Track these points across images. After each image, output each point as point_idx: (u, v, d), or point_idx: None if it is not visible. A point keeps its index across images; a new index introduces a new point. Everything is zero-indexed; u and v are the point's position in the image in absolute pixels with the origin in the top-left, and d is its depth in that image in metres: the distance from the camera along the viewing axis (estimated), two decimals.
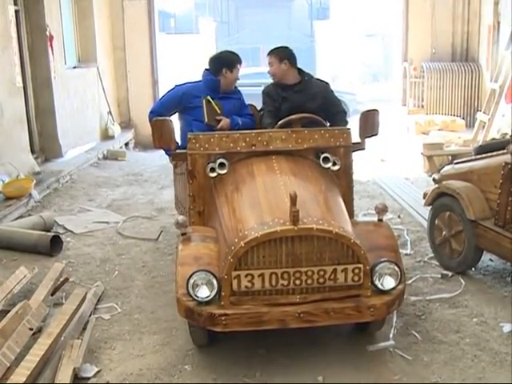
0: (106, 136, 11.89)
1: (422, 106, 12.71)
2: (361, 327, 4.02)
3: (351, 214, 4.30)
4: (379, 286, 3.59)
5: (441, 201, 5.23)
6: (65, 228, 6.54)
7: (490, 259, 5.29)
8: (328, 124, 4.77)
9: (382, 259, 3.61)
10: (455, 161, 5.61)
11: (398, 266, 3.62)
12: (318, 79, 5.30)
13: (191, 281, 3.46)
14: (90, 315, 4.33)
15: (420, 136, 11.30)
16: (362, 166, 9.71)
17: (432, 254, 5.44)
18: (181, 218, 3.95)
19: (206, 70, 5.28)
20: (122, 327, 4.25)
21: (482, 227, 4.75)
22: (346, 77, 26.04)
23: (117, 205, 7.65)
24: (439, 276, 5.03)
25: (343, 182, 4.34)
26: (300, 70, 5.10)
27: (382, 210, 3.98)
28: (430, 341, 3.97)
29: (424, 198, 5.54)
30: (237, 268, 3.45)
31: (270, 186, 3.92)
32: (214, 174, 4.20)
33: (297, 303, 3.51)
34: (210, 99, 4.96)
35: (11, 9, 8.22)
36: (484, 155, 5.02)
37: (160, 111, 5.05)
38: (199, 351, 3.89)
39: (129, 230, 6.53)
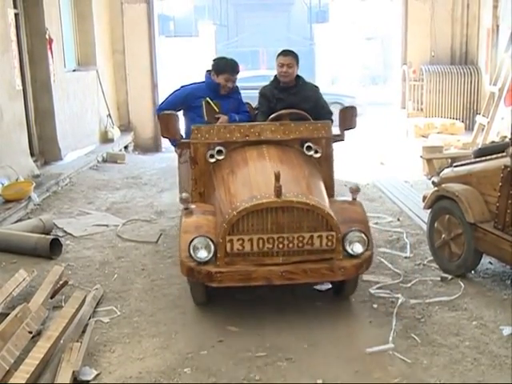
0: (106, 139, 11.89)
1: (422, 109, 12.71)
2: (337, 291, 4.71)
3: (332, 195, 4.94)
4: (349, 250, 4.22)
5: (440, 204, 5.23)
6: (64, 231, 6.53)
7: (490, 262, 5.28)
8: None
9: (352, 228, 4.25)
10: (454, 164, 5.61)
11: (366, 235, 4.26)
12: (310, 83, 5.76)
13: (192, 245, 4.11)
14: (90, 318, 4.32)
15: (419, 139, 11.31)
16: (362, 169, 9.75)
17: (431, 257, 5.44)
18: (185, 194, 4.60)
19: (208, 71, 5.82)
20: (121, 330, 4.25)
21: (481, 230, 4.75)
22: (346, 80, 26.09)
23: (116, 208, 7.65)
24: (439, 279, 5.03)
25: (324, 168, 4.97)
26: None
27: (355, 190, 4.64)
28: (429, 344, 3.97)
29: (423, 200, 5.55)
30: (230, 233, 4.10)
31: (260, 169, 4.57)
32: (213, 160, 4.83)
33: (280, 263, 4.14)
34: (209, 100, 5.43)
35: (11, 12, 8.22)
36: (483, 158, 5.02)
37: (166, 108, 5.42)
38: (199, 354, 3.89)
39: (128, 233, 6.53)
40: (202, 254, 4.12)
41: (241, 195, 4.28)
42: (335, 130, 5.17)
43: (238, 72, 5.76)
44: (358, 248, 4.24)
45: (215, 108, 5.44)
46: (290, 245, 4.13)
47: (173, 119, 5.00)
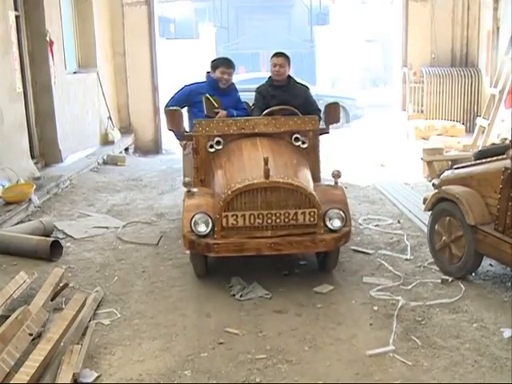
0: (106, 141, 11.89)
1: (422, 111, 12.71)
2: (321, 264, 5.32)
3: (318, 180, 5.55)
4: (329, 226, 4.84)
5: (441, 206, 5.23)
6: (64, 233, 6.53)
7: (490, 264, 5.28)
8: None
9: (332, 206, 4.87)
10: (455, 166, 5.60)
11: (344, 213, 4.89)
12: (300, 83, 6.40)
13: (193, 220, 4.75)
14: (90, 320, 4.32)
15: (420, 141, 11.31)
16: (362, 171, 9.75)
17: (432, 259, 5.44)
18: (187, 179, 5.28)
19: (208, 72, 6.48)
20: (121, 332, 4.24)
21: (481, 232, 4.74)
22: (346, 82, 26.10)
23: (117, 210, 7.65)
24: (439, 281, 5.03)
25: (312, 157, 5.59)
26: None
27: (336, 175, 5.21)
28: (430, 346, 3.97)
29: (424, 203, 5.55)
30: (225, 210, 4.73)
31: (252, 157, 5.15)
32: (212, 150, 5.48)
33: (269, 236, 4.77)
34: (209, 96, 6.10)
35: (12, 14, 8.23)
36: (484, 160, 5.02)
37: (172, 105, 6.07)
38: (199, 357, 3.88)
39: (129, 235, 6.53)
40: (202, 228, 4.77)
41: (235, 178, 4.90)
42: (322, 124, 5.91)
43: (233, 67, 6.42)
44: (336, 223, 4.86)
45: (214, 103, 6.09)
46: (278, 220, 4.77)
47: (177, 114, 5.67)
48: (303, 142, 5.53)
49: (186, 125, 6.17)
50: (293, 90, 6.11)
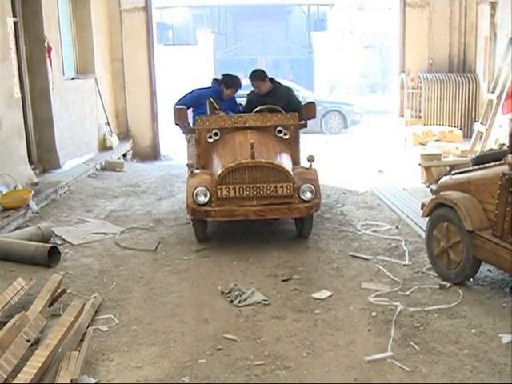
0: (104, 147, 11.88)
1: (420, 117, 12.72)
2: (299, 232, 6.47)
3: (297, 163, 6.70)
4: (303, 197, 6.06)
5: (439, 211, 5.23)
6: (63, 239, 6.52)
7: (488, 270, 5.28)
8: None
9: (305, 182, 6.08)
10: (453, 171, 5.61)
11: (315, 187, 6.08)
12: (284, 86, 7.53)
13: (195, 192, 5.98)
14: (88, 327, 4.32)
15: (418, 147, 11.32)
16: (360, 177, 9.75)
17: (430, 265, 5.44)
18: (190, 161, 6.76)
19: (214, 79, 7.75)
20: (119, 339, 4.24)
21: (479, 238, 4.74)
22: (344, 88, 26.15)
23: (115, 216, 7.64)
24: (437, 287, 5.03)
25: (292, 146, 6.76)
26: (271, 79, 7.29)
27: (311, 159, 6.34)
28: (428, 352, 3.96)
29: (422, 208, 5.55)
30: (220, 184, 5.96)
31: (243, 143, 6.30)
32: (211, 140, 6.65)
33: (254, 205, 5.99)
34: (212, 100, 7.22)
35: (10, 20, 8.24)
36: (482, 166, 5.02)
37: (181, 104, 7.22)
38: (197, 363, 3.88)
39: (127, 241, 6.52)
40: (202, 198, 5.98)
41: (228, 159, 6.10)
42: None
43: (240, 87, 7.65)
44: (308, 195, 6.06)
45: (216, 106, 7.21)
46: (261, 192, 5.97)
47: (183, 112, 6.97)
48: (285, 134, 6.67)
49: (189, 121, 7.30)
50: (277, 95, 7.15)
